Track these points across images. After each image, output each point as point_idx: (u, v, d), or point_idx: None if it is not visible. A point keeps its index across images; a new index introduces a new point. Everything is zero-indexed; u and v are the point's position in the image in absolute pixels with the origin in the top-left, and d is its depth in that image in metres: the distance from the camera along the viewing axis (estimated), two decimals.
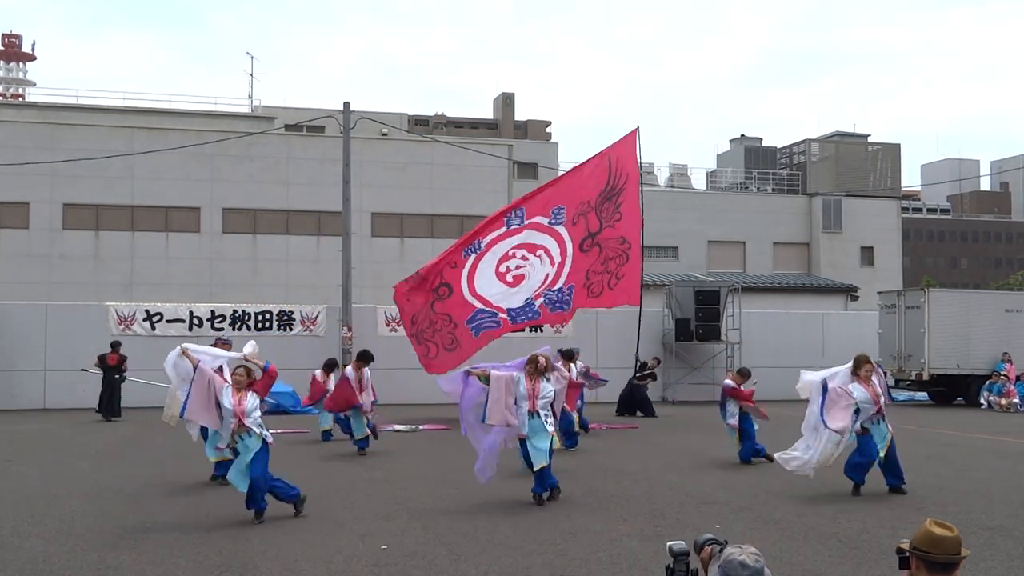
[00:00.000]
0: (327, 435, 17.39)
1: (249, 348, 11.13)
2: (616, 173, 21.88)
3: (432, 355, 21.01)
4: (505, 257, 21.45)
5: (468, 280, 21.18)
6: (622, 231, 21.67)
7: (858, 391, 11.38)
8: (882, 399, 11.57)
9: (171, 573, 7.67)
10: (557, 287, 21.37)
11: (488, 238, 21.47)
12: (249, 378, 10.04)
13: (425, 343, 21.04)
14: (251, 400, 9.90)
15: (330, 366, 17.77)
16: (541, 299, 21.35)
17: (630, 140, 22.65)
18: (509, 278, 21.36)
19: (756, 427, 14.56)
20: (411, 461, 14.63)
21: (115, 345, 22.01)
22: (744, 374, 15.02)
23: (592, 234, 21.53)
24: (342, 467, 14.05)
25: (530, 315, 21.34)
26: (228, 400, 9.84)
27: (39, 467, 13.80)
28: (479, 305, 21.03)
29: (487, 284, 21.19)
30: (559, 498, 10.94)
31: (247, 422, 9.79)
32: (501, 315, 21.10)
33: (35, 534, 9.08)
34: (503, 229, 21.51)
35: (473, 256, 21.30)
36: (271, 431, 10.41)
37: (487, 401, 10.88)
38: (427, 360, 21.08)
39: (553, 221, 21.57)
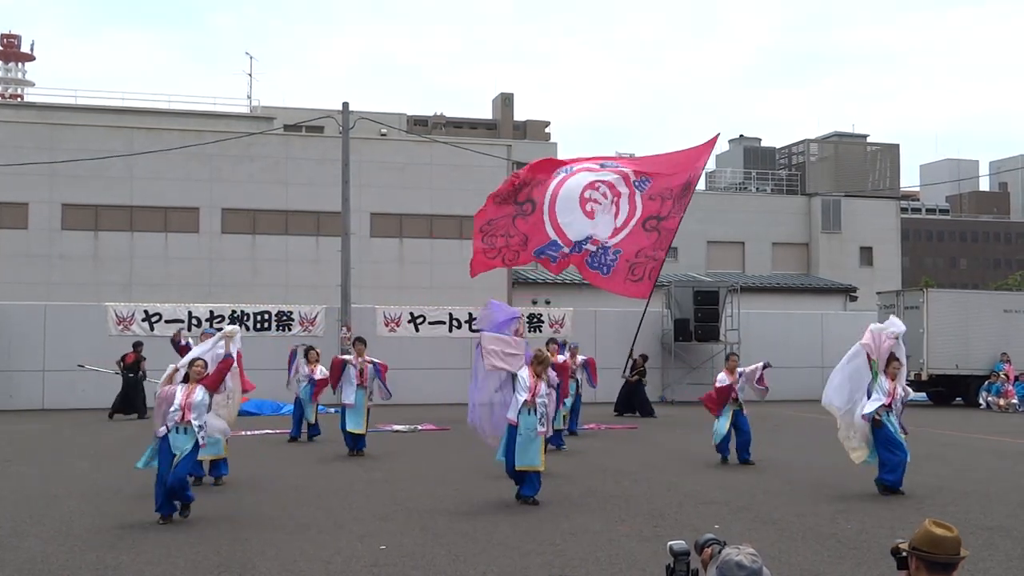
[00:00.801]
0: (314, 429, 17.32)
1: (230, 329, 11.09)
2: (693, 175, 22.16)
3: (491, 256, 21.59)
4: (591, 185, 21.79)
5: (551, 201, 21.62)
6: (674, 226, 22.00)
7: (880, 377, 11.57)
8: (897, 397, 11.61)
9: (170, 573, 7.67)
10: (608, 246, 21.64)
11: (580, 165, 21.95)
12: (205, 371, 10.04)
13: (491, 239, 21.54)
14: (199, 394, 9.84)
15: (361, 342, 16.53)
16: (588, 256, 21.71)
17: (709, 148, 22.88)
18: (588, 207, 21.67)
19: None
20: (410, 461, 14.63)
21: (136, 345, 22.18)
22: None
23: (660, 218, 21.80)
24: (341, 467, 14.05)
25: (579, 254, 21.75)
26: (178, 399, 9.79)
27: (38, 467, 13.80)
28: (553, 236, 21.56)
29: (566, 209, 21.58)
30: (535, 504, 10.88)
31: (190, 416, 9.69)
32: (565, 248, 21.56)
33: (34, 534, 9.08)
34: (595, 164, 22.01)
35: (563, 175, 21.72)
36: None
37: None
38: (482, 256, 21.60)
39: (637, 184, 21.85)
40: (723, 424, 14.29)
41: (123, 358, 22.05)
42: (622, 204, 21.72)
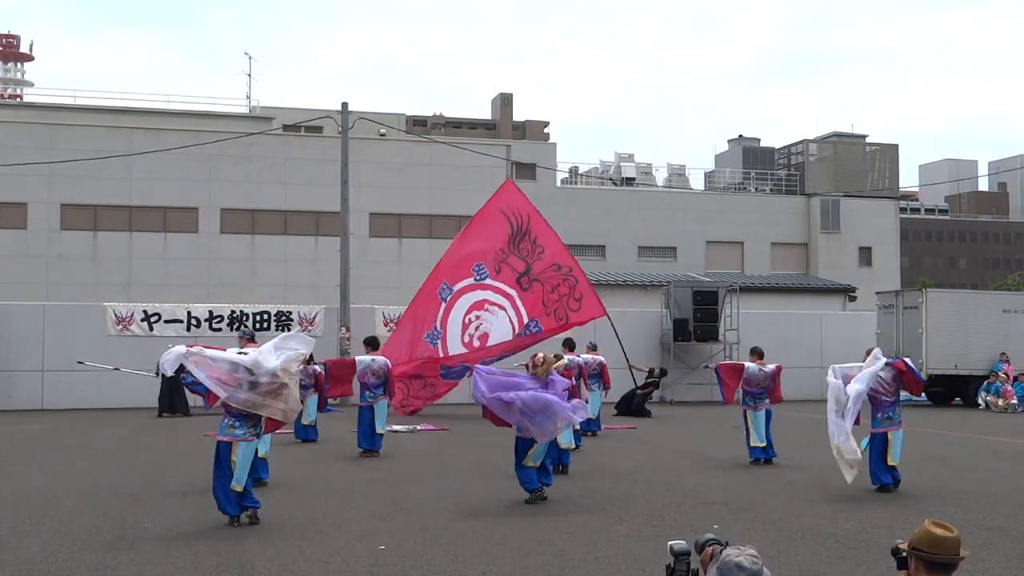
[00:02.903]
0: (313, 431, 17.24)
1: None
2: (516, 218, 22.56)
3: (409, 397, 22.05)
4: (464, 327, 22.18)
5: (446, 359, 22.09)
6: (552, 259, 22.45)
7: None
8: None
9: (169, 573, 7.67)
10: (525, 324, 22.12)
11: (439, 319, 22.27)
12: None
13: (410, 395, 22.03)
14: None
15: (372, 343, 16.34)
16: (522, 331, 22.21)
17: (510, 189, 23.41)
18: (476, 343, 22.07)
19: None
20: (409, 462, 14.62)
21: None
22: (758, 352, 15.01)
23: (523, 273, 22.32)
24: (341, 468, 14.04)
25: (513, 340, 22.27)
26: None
27: (38, 467, 13.79)
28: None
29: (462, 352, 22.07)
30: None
31: None
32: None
33: (33, 534, 9.07)
34: (443, 306, 22.40)
35: (438, 342, 22.22)
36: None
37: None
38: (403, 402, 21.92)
39: (478, 278, 22.30)
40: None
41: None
42: (498, 301, 22.17)
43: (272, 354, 9.64)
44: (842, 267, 45.93)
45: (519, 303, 22.13)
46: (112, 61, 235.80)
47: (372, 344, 16.03)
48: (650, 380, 23.88)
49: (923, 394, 26.81)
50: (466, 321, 22.24)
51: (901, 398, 12.08)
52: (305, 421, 16.93)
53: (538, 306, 22.13)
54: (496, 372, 11.46)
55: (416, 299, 23.01)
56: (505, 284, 22.22)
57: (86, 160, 31.20)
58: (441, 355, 22.10)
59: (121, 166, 32.65)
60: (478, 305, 22.23)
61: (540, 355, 11.34)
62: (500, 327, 22.12)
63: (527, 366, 11.47)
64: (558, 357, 12.24)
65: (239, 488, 9.52)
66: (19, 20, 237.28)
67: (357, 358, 15.99)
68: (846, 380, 11.59)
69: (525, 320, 22.09)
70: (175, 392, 21.95)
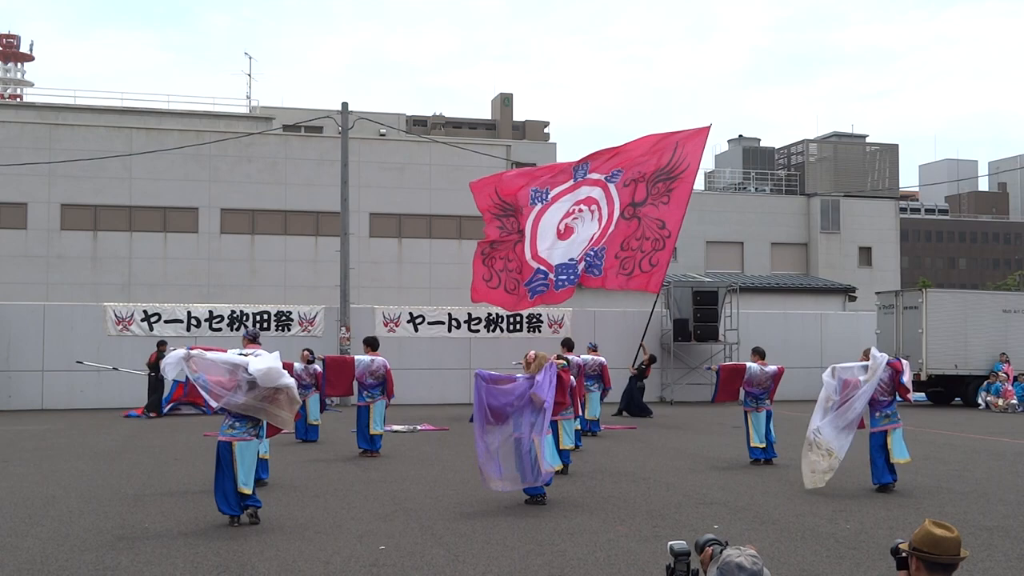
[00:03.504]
0: (314, 431, 17.23)
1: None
2: (678, 159, 21.78)
3: (492, 284, 21.98)
4: (567, 214, 21.97)
5: (532, 232, 22.00)
6: (664, 215, 21.70)
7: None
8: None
9: (169, 573, 7.66)
10: (596, 248, 21.76)
11: (556, 190, 22.02)
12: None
13: (490, 268, 21.91)
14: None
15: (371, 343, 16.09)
16: (583, 263, 21.76)
17: (701, 135, 22.22)
18: (562, 228, 21.88)
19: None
20: (409, 462, 14.62)
21: (160, 344, 22.09)
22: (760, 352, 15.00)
23: (636, 204, 21.75)
24: (340, 468, 14.04)
25: (571, 278, 21.85)
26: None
27: (37, 467, 13.78)
28: (536, 266, 21.77)
29: (545, 238, 21.80)
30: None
31: None
32: (550, 276, 21.72)
33: (33, 535, 9.07)
34: (570, 182, 22.04)
35: (539, 205, 21.83)
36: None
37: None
38: (483, 285, 21.90)
39: (609, 179, 21.90)
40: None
41: (150, 356, 22.25)
42: (602, 208, 21.85)
43: (280, 369, 9.70)
44: (842, 267, 45.93)
45: (609, 229, 21.69)
46: (112, 61, 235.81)
47: (372, 344, 15.96)
48: (641, 364, 23.96)
49: (922, 393, 26.89)
50: (569, 209, 21.94)
51: (898, 398, 12.15)
52: (309, 420, 17.03)
53: (616, 244, 21.65)
54: (495, 378, 11.41)
55: (550, 168, 23.04)
56: (619, 204, 21.76)
57: (86, 160, 31.20)
58: (532, 218, 21.71)
59: (121, 166, 32.65)
60: (588, 201, 21.89)
61: (532, 353, 11.56)
62: (583, 233, 21.74)
63: (523, 364, 11.63)
64: (559, 358, 12.35)
65: (247, 491, 9.50)
66: (19, 20, 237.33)
67: (356, 358, 15.89)
68: (842, 384, 11.62)
69: (594, 247, 21.71)
70: (151, 391, 21.95)
